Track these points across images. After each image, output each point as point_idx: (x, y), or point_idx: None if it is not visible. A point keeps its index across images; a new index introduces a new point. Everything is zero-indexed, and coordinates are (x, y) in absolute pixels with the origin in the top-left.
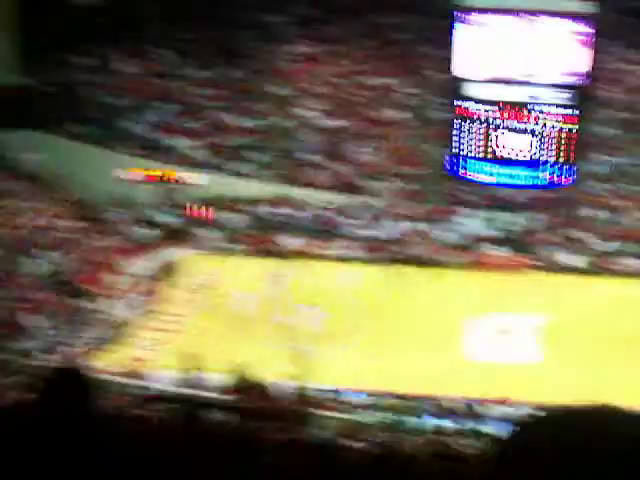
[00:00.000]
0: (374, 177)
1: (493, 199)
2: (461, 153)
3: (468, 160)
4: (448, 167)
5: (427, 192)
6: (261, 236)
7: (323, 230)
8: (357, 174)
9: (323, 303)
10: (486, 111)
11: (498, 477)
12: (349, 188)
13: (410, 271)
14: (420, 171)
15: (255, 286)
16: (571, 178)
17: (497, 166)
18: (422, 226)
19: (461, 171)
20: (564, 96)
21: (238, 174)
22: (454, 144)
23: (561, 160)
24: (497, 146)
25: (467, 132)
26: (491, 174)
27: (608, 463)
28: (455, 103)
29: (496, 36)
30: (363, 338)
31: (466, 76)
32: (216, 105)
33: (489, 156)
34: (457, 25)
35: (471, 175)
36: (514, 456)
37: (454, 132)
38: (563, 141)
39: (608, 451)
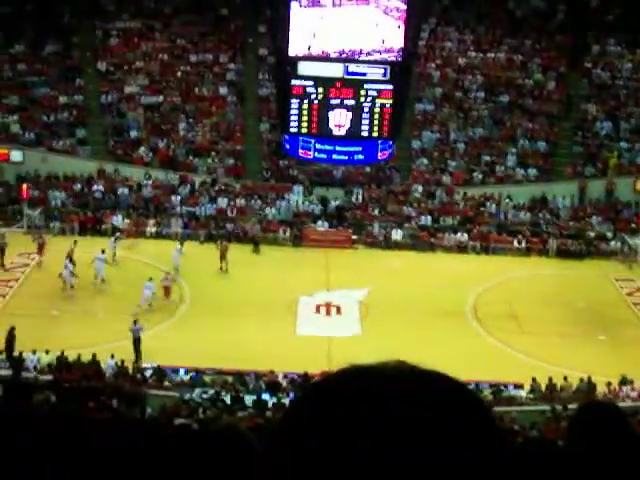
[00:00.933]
0: (197, 154)
1: (316, 175)
2: (289, 131)
3: (294, 137)
4: (274, 144)
5: (250, 168)
6: (82, 214)
7: (144, 207)
8: (180, 150)
9: (146, 278)
10: (309, 87)
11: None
12: (171, 164)
13: (233, 246)
14: (243, 147)
15: (82, 263)
16: (388, 153)
17: (321, 143)
18: (243, 202)
19: (287, 147)
20: (381, 72)
21: (56, 151)
22: (284, 121)
23: (378, 135)
24: (319, 122)
25: (294, 109)
26: (315, 150)
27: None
28: (281, 80)
29: (318, 12)
30: (186, 313)
31: (291, 53)
32: (34, 80)
33: (313, 132)
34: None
35: (299, 152)
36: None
37: (281, 109)
38: (380, 116)
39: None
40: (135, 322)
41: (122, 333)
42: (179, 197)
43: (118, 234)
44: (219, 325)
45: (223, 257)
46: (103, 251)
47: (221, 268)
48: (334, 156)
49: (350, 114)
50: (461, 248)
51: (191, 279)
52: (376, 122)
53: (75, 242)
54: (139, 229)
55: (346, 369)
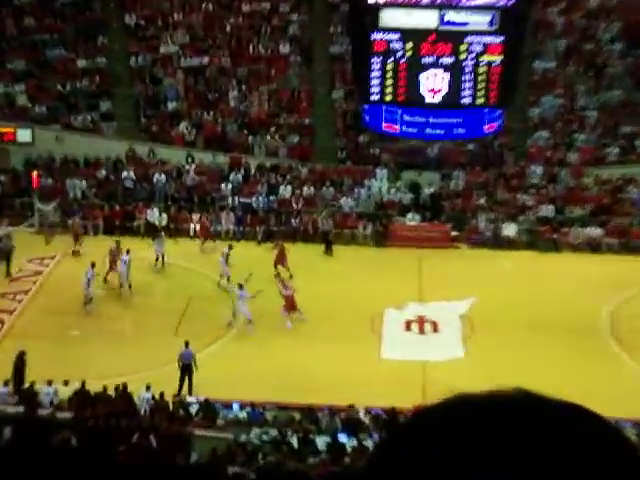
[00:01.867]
0: (253, 130)
1: (404, 155)
2: (370, 99)
3: (376, 107)
4: (350, 116)
5: (320, 148)
6: (108, 208)
7: (186, 198)
8: (231, 126)
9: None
10: (394, 42)
11: None
12: (220, 144)
13: (299, 247)
14: (311, 120)
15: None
16: (496, 125)
17: (411, 114)
18: (312, 191)
19: (367, 120)
20: (487, 20)
21: (74, 128)
22: (362, 87)
23: (484, 102)
24: (407, 87)
25: (376, 70)
26: (402, 123)
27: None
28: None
29: None
30: (240, 333)
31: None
32: (45, 39)
33: (400, 100)
34: None
35: (383, 126)
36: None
37: (358, 71)
38: (486, 78)
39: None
40: (186, 345)
41: (161, 358)
42: (230, 185)
43: (162, 234)
44: (282, 347)
45: (279, 262)
46: (128, 251)
47: (277, 275)
48: (427, 130)
49: (447, 76)
50: (593, 246)
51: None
52: (481, 86)
53: (118, 242)
54: (180, 225)
55: (450, 400)
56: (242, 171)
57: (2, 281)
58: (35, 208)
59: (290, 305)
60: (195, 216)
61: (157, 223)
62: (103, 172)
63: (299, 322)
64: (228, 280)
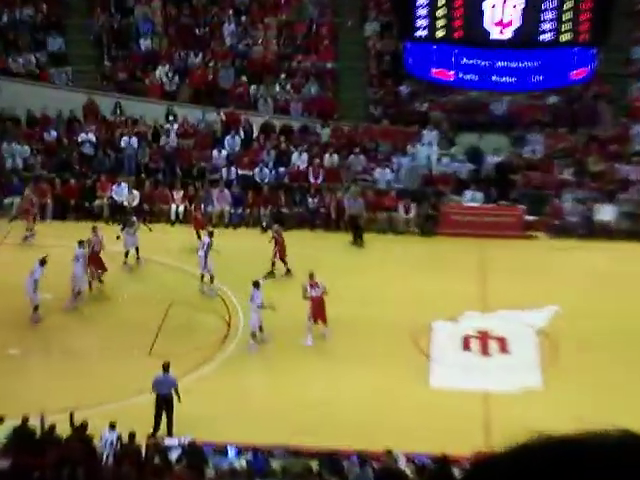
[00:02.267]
0: (255, 76)
1: (462, 112)
2: (414, 35)
3: (422, 46)
4: (387, 58)
5: (347, 101)
6: (60, 183)
7: (166, 169)
8: (226, 71)
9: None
10: None
11: None
12: (211, 96)
13: (319, 235)
14: (335, 65)
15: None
16: (587, 70)
17: (470, 56)
18: (335, 159)
19: (411, 64)
20: None
21: (13, 74)
22: (404, 19)
23: (571, 39)
24: (465, 19)
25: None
26: (459, 68)
27: None
28: None
29: None
30: (238, 351)
31: None
32: None
33: (455, 36)
34: None
35: (432, 72)
36: None
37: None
38: (574, 6)
39: None
40: (164, 368)
41: (131, 385)
42: (225, 152)
43: (133, 220)
44: (296, 372)
45: (278, 253)
46: (81, 243)
47: (270, 274)
48: (493, 78)
49: (521, 3)
50: None
51: (246, 292)
52: (567, 17)
53: (95, 229)
54: (156, 206)
55: (526, 445)
56: (241, 133)
57: None
58: None
59: (317, 312)
60: (177, 194)
61: (126, 203)
62: (53, 133)
63: (320, 338)
64: (212, 280)
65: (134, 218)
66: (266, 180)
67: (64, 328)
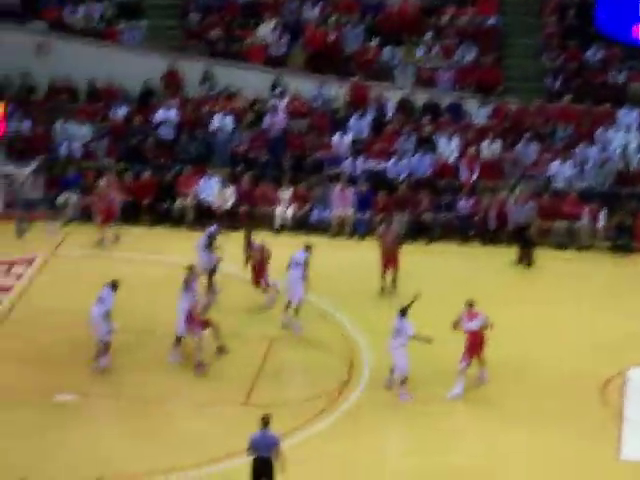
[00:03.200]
0: (392, 38)
1: None
2: None
3: None
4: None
5: (516, 70)
6: (127, 174)
7: (274, 160)
8: (352, 28)
9: None
10: None
11: None
12: (332, 62)
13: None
14: (498, 19)
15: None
16: None
17: None
18: (506, 150)
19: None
20: None
21: (69, 30)
22: None
23: None
24: None
25: None
26: None
27: None
28: None
29: None
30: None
31: None
32: None
33: None
34: None
35: (633, 32)
36: None
37: None
38: None
39: None
40: (264, 423)
41: (219, 446)
42: (349, 138)
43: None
44: (439, 430)
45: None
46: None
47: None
48: None
49: None
50: None
51: (371, 323)
52: None
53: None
54: (257, 208)
55: None
56: (371, 113)
57: None
58: None
59: (473, 349)
60: (285, 192)
61: (216, 205)
62: (121, 111)
63: (473, 386)
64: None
65: (213, 229)
66: (402, 176)
67: (132, 368)
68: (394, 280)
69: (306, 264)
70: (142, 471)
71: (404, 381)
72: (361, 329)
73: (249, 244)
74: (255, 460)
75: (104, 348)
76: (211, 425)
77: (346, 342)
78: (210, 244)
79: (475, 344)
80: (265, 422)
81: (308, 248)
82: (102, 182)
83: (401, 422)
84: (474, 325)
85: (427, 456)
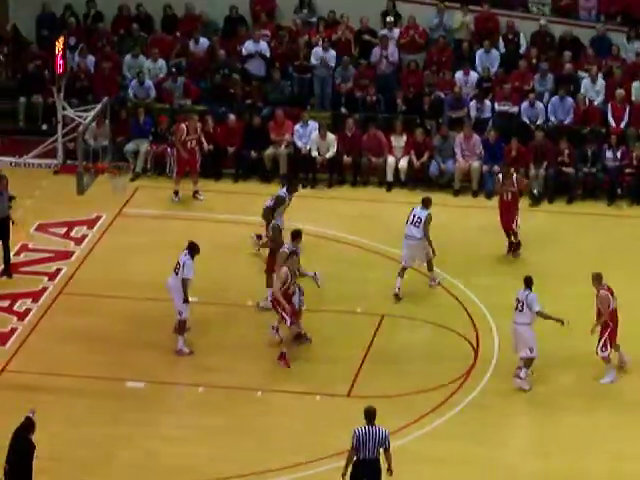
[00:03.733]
0: None
1: None
2: None
3: None
4: None
5: None
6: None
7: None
8: None
9: None
10: None
11: None
12: None
13: None
14: None
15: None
16: None
17: None
18: None
19: None
20: None
21: None
22: None
23: None
24: None
25: None
26: None
27: None
28: None
29: None
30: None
31: None
32: None
33: None
34: None
35: None
36: None
37: None
38: None
39: None
40: (369, 417)
41: (321, 443)
42: (475, 75)
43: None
44: (582, 428)
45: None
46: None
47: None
48: None
49: None
50: None
51: (503, 298)
52: None
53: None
54: (364, 158)
55: None
56: (501, 46)
57: None
58: (58, 115)
59: (615, 332)
60: (398, 139)
61: (315, 153)
62: (202, 42)
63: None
64: (430, 267)
65: (282, 193)
66: (539, 122)
67: (215, 350)
68: (515, 245)
69: (427, 222)
70: (231, 474)
71: (528, 364)
72: (490, 304)
73: None
74: (359, 461)
75: (180, 327)
76: (308, 419)
77: (471, 320)
78: (274, 210)
79: (616, 324)
80: (370, 416)
81: (427, 202)
82: (178, 127)
83: (534, 417)
84: (613, 303)
85: (560, 458)
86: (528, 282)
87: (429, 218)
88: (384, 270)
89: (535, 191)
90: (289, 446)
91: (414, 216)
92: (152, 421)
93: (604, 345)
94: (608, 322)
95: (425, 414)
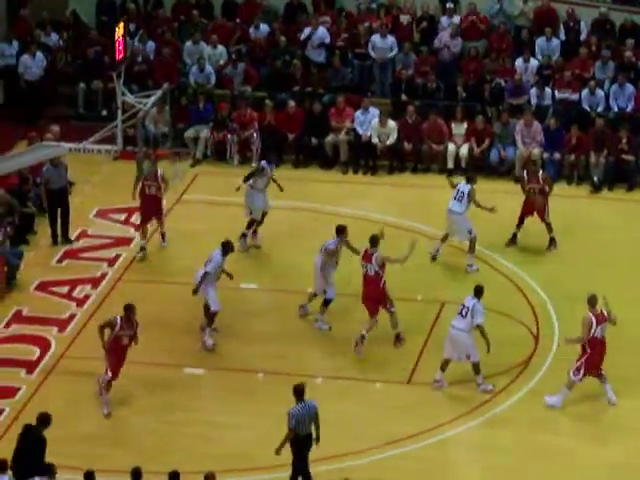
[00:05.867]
0: None
1: None
2: None
3: None
4: None
5: None
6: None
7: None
8: None
9: None
10: None
11: None
12: None
13: None
14: None
15: None
16: None
17: None
18: None
19: None
20: None
21: None
22: None
23: None
24: None
25: None
26: None
27: None
28: None
29: None
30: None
31: None
32: None
33: None
34: None
35: None
36: None
37: None
38: None
39: None
40: None
41: (382, 432)
42: (535, 62)
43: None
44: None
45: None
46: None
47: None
48: None
49: None
50: None
51: (563, 286)
52: None
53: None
54: (425, 145)
55: None
56: (562, 33)
57: (46, 258)
58: (118, 101)
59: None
60: (458, 126)
61: (376, 140)
62: (263, 28)
63: None
64: (471, 249)
65: (264, 164)
66: (600, 109)
67: (271, 339)
68: (551, 238)
69: (471, 195)
70: (289, 461)
71: (477, 370)
72: (550, 293)
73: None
74: (298, 439)
75: (209, 320)
76: (368, 406)
77: (531, 307)
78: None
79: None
80: (299, 392)
81: (471, 179)
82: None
83: (593, 404)
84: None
85: (619, 444)
86: (477, 292)
87: (473, 193)
88: (444, 257)
89: (595, 179)
90: (348, 433)
91: (458, 191)
92: (210, 407)
93: (577, 369)
94: (586, 348)
95: (485, 402)
